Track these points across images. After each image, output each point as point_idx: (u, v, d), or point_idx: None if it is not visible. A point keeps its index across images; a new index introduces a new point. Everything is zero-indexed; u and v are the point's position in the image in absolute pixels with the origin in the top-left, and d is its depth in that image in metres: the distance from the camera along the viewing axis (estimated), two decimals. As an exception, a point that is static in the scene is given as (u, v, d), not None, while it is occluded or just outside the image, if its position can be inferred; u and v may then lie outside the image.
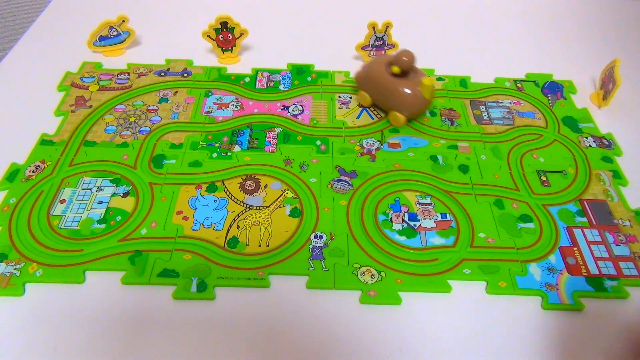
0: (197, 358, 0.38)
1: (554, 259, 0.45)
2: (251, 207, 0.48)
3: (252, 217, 0.47)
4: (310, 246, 0.45)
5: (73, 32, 0.70)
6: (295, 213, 0.48)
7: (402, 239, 0.46)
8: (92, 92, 0.61)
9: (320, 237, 0.46)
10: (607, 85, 0.61)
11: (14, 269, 0.42)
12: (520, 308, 0.42)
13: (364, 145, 0.55)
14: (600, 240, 0.47)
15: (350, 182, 0.51)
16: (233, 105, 0.60)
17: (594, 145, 0.56)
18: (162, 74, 0.64)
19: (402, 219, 0.48)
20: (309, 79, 0.64)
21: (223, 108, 0.59)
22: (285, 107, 0.60)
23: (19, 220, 0.46)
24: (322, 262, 0.44)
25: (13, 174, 0.50)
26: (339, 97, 0.61)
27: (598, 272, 0.44)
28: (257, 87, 0.63)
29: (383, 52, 0.67)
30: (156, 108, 0.59)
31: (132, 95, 0.60)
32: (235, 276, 0.43)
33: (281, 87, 0.63)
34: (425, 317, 0.41)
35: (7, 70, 0.64)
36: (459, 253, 0.45)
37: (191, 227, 0.46)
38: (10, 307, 0.40)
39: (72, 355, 0.38)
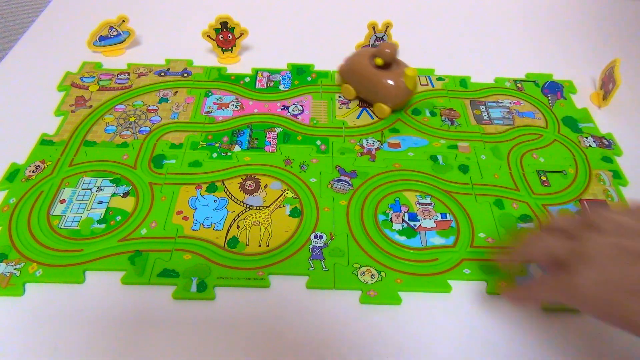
0: (197, 358, 0.38)
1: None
2: (251, 207, 0.48)
3: (252, 217, 0.47)
4: (310, 246, 0.45)
5: (73, 32, 0.70)
6: (295, 213, 0.48)
7: (402, 239, 0.46)
8: (92, 92, 0.61)
9: (320, 237, 0.46)
10: (607, 85, 0.61)
11: (14, 269, 0.42)
12: (520, 308, 0.42)
13: (364, 145, 0.55)
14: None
15: (350, 182, 0.51)
16: (233, 105, 0.60)
17: (594, 145, 0.56)
18: (162, 74, 0.64)
19: (402, 219, 0.48)
20: (309, 79, 0.64)
21: (223, 108, 0.59)
22: (285, 107, 0.60)
23: (19, 220, 0.46)
24: (322, 262, 0.44)
25: (13, 174, 0.50)
26: (339, 97, 0.61)
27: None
28: (257, 87, 0.63)
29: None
30: (156, 108, 0.59)
31: (132, 95, 0.60)
32: (235, 276, 0.43)
33: (281, 87, 0.63)
34: (425, 317, 0.41)
35: (7, 70, 0.64)
36: (459, 253, 0.45)
37: (191, 227, 0.46)
38: (10, 307, 0.40)
39: (72, 355, 0.38)
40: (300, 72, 0.65)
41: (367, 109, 0.60)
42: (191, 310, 0.41)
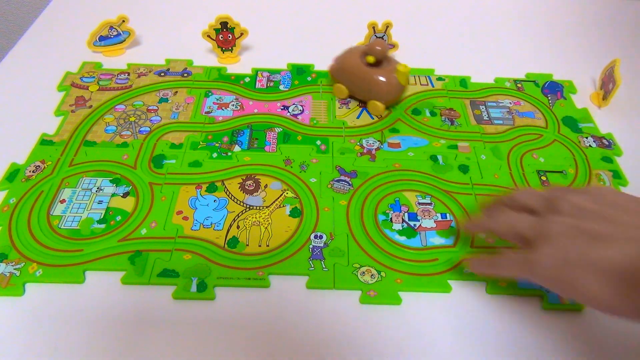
0: (197, 358, 0.38)
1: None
2: (251, 207, 0.48)
3: (252, 217, 0.47)
4: (310, 246, 0.45)
5: (73, 32, 0.70)
6: (295, 213, 0.48)
7: (402, 239, 0.46)
8: (92, 92, 0.61)
9: (320, 237, 0.46)
10: (607, 85, 0.61)
11: (14, 269, 0.42)
12: (520, 308, 0.42)
13: (364, 145, 0.55)
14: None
15: (350, 182, 0.51)
16: (233, 105, 0.60)
17: (594, 145, 0.56)
18: (162, 74, 0.64)
19: (402, 219, 0.48)
20: (309, 79, 0.64)
21: (223, 108, 0.59)
22: (285, 107, 0.60)
23: (19, 220, 0.46)
24: (322, 262, 0.44)
25: (13, 174, 0.50)
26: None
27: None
28: (257, 87, 0.63)
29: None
30: (156, 108, 0.59)
31: (132, 95, 0.60)
32: (235, 276, 0.43)
33: (281, 87, 0.63)
34: (425, 317, 0.41)
35: (7, 70, 0.64)
36: (459, 253, 0.45)
37: (191, 227, 0.46)
38: (10, 307, 0.40)
39: (72, 355, 0.38)
40: (300, 72, 0.65)
41: (367, 108, 0.60)
42: (191, 310, 0.41)
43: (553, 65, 0.68)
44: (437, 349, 0.39)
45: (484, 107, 0.61)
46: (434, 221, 0.48)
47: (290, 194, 0.49)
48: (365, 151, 0.54)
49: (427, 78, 0.65)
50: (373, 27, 0.64)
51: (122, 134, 0.55)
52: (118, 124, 0.56)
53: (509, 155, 0.55)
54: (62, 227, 0.46)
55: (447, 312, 0.41)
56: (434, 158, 0.54)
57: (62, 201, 0.48)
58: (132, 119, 0.57)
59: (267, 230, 0.46)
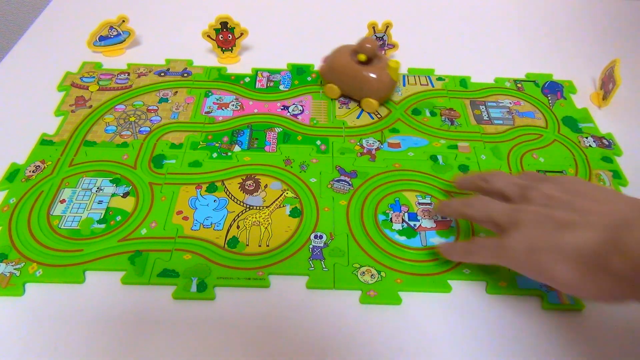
0: (197, 358, 0.38)
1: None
2: (251, 207, 0.48)
3: (252, 217, 0.47)
4: (310, 246, 0.45)
5: (73, 32, 0.70)
6: (295, 213, 0.48)
7: (402, 239, 0.46)
8: (92, 92, 0.61)
9: (320, 237, 0.46)
10: (607, 85, 0.61)
11: (14, 269, 0.42)
12: (520, 308, 0.42)
13: (364, 145, 0.55)
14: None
15: (350, 182, 0.51)
16: (233, 105, 0.60)
17: (594, 145, 0.56)
18: (162, 74, 0.64)
19: (402, 219, 0.48)
20: (309, 79, 0.64)
21: (223, 108, 0.59)
22: (285, 107, 0.60)
23: (19, 220, 0.46)
24: (322, 262, 0.44)
25: (13, 174, 0.50)
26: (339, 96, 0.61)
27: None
28: (257, 87, 0.63)
29: (383, 52, 0.67)
30: (156, 108, 0.59)
31: (132, 95, 0.60)
32: (235, 276, 0.43)
33: (281, 87, 0.63)
34: (425, 317, 0.41)
35: (7, 70, 0.64)
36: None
37: (191, 227, 0.46)
38: (10, 307, 0.40)
39: (72, 355, 0.38)
40: (300, 72, 0.65)
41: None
42: (191, 310, 0.41)
43: (553, 65, 0.68)
44: (437, 349, 0.39)
45: (484, 107, 0.61)
46: (434, 221, 0.48)
47: (290, 194, 0.49)
48: (365, 151, 0.54)
49: (427, 78, 0.65)
50: (373, 27, 0.64)
51: (122, 134, 0.55)
52: (118, 124, 0.56)
53: (509, 155, 0.55)
54: (62, 227, 0.46)
55: (447, 312, 0.41)
56: (434, 158, 0.54)
57: (62, 201, 0.48)
58: (132, 119, 0.57)
59: (267, 230, 0.46)
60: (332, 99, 0.61)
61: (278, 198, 0.49)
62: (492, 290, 0.43)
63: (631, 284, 0.29)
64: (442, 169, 0.53)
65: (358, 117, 0.59)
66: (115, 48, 0.67)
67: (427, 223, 0.47)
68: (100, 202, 0.48)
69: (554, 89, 0.64)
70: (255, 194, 0.49)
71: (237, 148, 0.54)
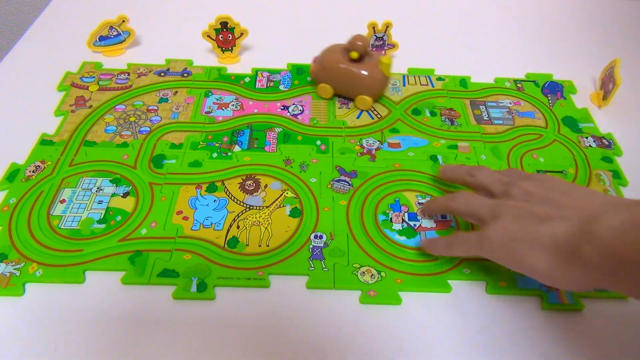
0: (197, 358, 0.38)
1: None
2: (251, 207, 0.48)
3: (252, 217, 0.47)
4: (310, 246, 0.45)
5: (73, 32, 0.70)
6: (295, 213, 0.48)
7: (402, 239, 0.46)
8: (92, 92, 0.61)
9: (320, 237, 0.46)
10: (607, 85, 0.61)
11: (14, 269, 0.42)
12: (520, 308, 0.42)
13: (364, 145, 0.55)
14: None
15: (350, 182, 0.51)
16: (233, 105, 0.60)
17: (594, 145, 0.56)
18: (162, 74, 0.64)
19: (402, 219, 0.48)
20: (309, 79, 0.64)
21: (223, 108, 0.59)
22: (285, 107, 0.60)
23: (19, 220, 0.46)
24: (322, 262, 0.44)
25: (13, 174, 0.50)
26: (339, 96, 0.61)
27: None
28: (257, 87, 0.63)
29: (383, 52, 0.67)
30: (156, 108, 0.59)
31: (132, 95, 0.60)
32: (235, 276, 0.43)
33: (281, 87, 0.63)
34: (425, 317, 0.41)
35: (7, 70, 0.64)
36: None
37: (191, 227, 0.46)
38: (10, 307, 0.40)
39: (72, 355, 0.38)
40: (300, 72, 0.65)
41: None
42: (191, 310, 0.41)
43: (553, 65, 0.68)
44: (437, 348, 0.39)
45: (484, 107, 0.61)
46: (434, 221, 0.48)
47: (290, 194, 0.49)
48: (365, 151, 0.54)
49: (427, 78, 0.65)
50: (373, 27, 0.64)
51: (122, 134, 0.55)
52: (118, 124, 0.56)
53: (509, 155, 0.55)
54: (62, 227, 0.46)
55: (447, 312, 0.41)
56: (434, 158, 0.54)
57: (62, 201, 0.48)
58: (132, 119, 0.57)
59: (267, 230, 0.46)
60: (325, 99, 0.61)
61: (278, 198, 0.49)
62: (492, 290, 0.43)
63: (601, 271, 0.31)
64: (442, 169, 0.53)
65: (358, 117, 0.59)
66: (115, 48, 0.67)
67: (427, 223, 0.48)
68: (100, 202, 0.48)
69: (554, 89, 0.64)
70: (255, 194, 0.49)
71: (237, 148, 0.54)
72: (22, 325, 0.39)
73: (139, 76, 0.63)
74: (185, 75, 0.64)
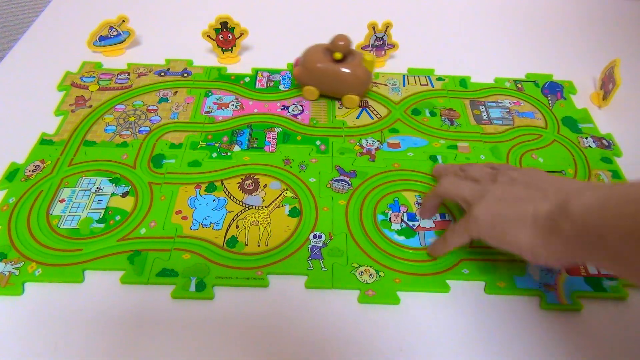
0: (196, 357, 0.38)
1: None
2: (250, 207, 0.48)
3: (251, 217, 0.47)
4: (309, 246, 0.45)
5: (73, 32, 0.70)
6: (295, 213, 0.48)
7: (401, 239, 0.46)
8: (92, 92, 0.61)
9: (319, 236, 0.46)
10: (607, 85, 0.61)
11: (13, 268, 0.42)
12: (519, 308, 0.42)
13: (364, 145, 0.55)
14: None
15: (349, 182, 0.51)
16: (233, 105, 0.60)
17: (593, 145, 0.56)
18: (162, 74, 0.64)
19: (401, 219, 0.48)
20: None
21: (223, 108, 0.59)
22: (285, 107, 0.60)
23: (19, 219, 0.46)
24: (321, 262, 0.44)
25: (13, 174, 0.50)
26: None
27: (597, 272, 0.44)
28: (257, 87, 0.63)
29: (383, 52, 0.67)
30: (156, 108, 0.59)
31: (132, 95, 0.60)
32: (234, 276, 0.43)
33: (281, 87, 0.63)
34: (424, 317, 0.41)
35: (7, 70, 0.65)
36: (457, 253, 0.45)
37: (190, 227, 0.46)
38: (10, 307, 0.40)
39: (72, 354, 0.38)
40: (300, 72, 0.65)
41: (367, 108, 0.60)
42: (190, 310, 0.41)
43: (553, 66, 0.68)
44: (435, 348, 0.39)
45: (483, 107, 0.61)
46: (433, 221, 0.48)
47: (289, 194, 0.49)
48: (364, 151, 0.54)
49: (427, 78, 0.65)
50: (373, 27, 0.64)
51: (121, 133, 0.55)
52: (118, 123, 0.56)
53: (509, 155, 0.55)
54: (62, 226, 0.46)
55: (446, 312, 0.41)
56: (433, 158, 0.54)
57: (62, 201, 0.48)
58: (132, 118, 0.57)
59: (266, 230, 0.46)
60: (311, 101, 0.61)
61: (277, 198, 0.49)
62: (491, 290, 0.43)
63: (579, 246, 0.34)
64: (442, 169, 0.53)
65: (358, 117, 0.59)
66: (115, 48, 0.67)
67: (426, 223, 0.48)
68: (99, 201, 0.48)
69: (554, 89, 0.64)
70: (254, 193, 0.49)
71: (236, 148, 0.54)
72: (21, 325, 0.39)
73: (139, 76, 0.63)
74: (185, 75, 0.64)
